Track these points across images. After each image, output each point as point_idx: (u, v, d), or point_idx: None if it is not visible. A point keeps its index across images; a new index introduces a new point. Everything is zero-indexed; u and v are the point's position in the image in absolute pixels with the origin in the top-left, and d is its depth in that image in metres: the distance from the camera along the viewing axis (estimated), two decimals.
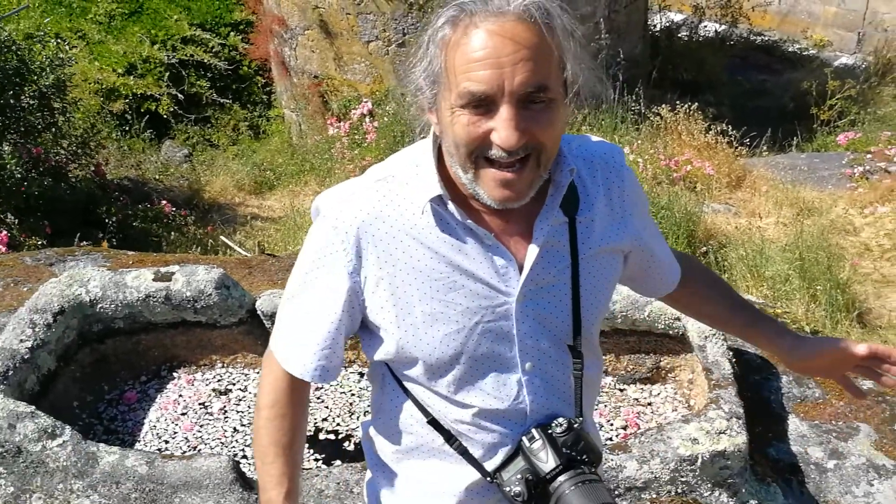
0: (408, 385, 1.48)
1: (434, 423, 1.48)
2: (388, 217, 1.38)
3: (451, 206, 1.35)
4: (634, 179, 1.52)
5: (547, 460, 1.43)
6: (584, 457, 1.45)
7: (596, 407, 3.10)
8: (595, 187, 1.45)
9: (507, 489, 1.45)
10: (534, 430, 1.45)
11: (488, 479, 1.48)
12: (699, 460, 2.57)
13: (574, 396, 1.49)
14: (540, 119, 1.26)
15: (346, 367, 3.38)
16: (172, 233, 5.99)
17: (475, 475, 1.49)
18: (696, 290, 1.71)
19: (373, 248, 1.38)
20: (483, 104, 1.25)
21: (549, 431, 1.44)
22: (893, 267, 5.94)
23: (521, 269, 1.39)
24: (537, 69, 1.24)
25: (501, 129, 1.24)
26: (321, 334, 1.44)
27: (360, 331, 1.49)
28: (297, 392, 1.52)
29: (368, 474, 1.68)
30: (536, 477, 1.43)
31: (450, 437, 1.48)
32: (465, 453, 1.48)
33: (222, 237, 5.96)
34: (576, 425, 1.45)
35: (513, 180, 1.28)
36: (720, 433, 2.61)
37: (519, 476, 1.44)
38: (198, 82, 9.11)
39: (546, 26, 1.25)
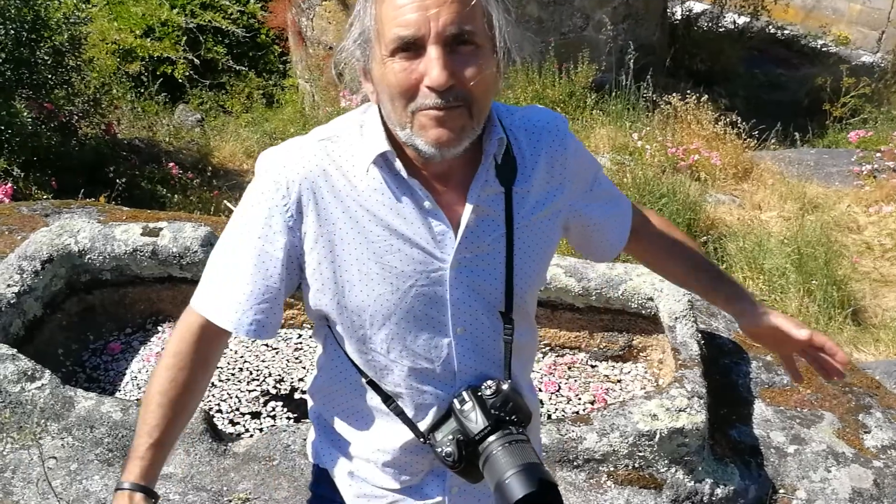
0: (345, 345, 1.52)
1: (372, 383, 1.53)
2: (330, 176, 1.40)
3: (397, 163, 1.38)
4: (579, 147, 1.55)
5: (476, 421, 1.47)
6: (513, 417, 1.49)
7: (566, 381, 3.16)
8: (535, 157, 1.48)
9: (440, 449, 1.49)
10: (464, 393, 1.49)
11: (421, 439, 1.53)
12: (657, 436, 2.61)
13: (504, 360, 1.53)
14: (468, 64, 1.29)
15: None
16: (176, 195, 6.05)
17: (409, 435, 1.54)
18: (654, 249, 1.75)
19: (313, 205, 1.40)
20: (412, 47, 1.27)
21: (479, 394, 1.49)
22: (893, 266, 5.92)
23: (456, 236, 1.43)
24: (462, 11, 1.27)
25: (430, 69, 1.27)
26: (259, 287, 1.44)
27: (301, 289, 1.51)
28: (207, 347, 1.50)
29: (311, 431, 1.72)
30: (467, 437, 1.47)
31: (386, 398, 1.52)
32: (400, 413, 1.52)
33: (225, 201, 6.03)
34: (504, 387, 1.50)
35: (445, 117, 1.29)
36: (680, 411, 2.65)
37: (451, 437, 1.48)
38: (215, 48, 9.14)
39: None
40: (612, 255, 1.72)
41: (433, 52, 1.27)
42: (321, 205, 1.40)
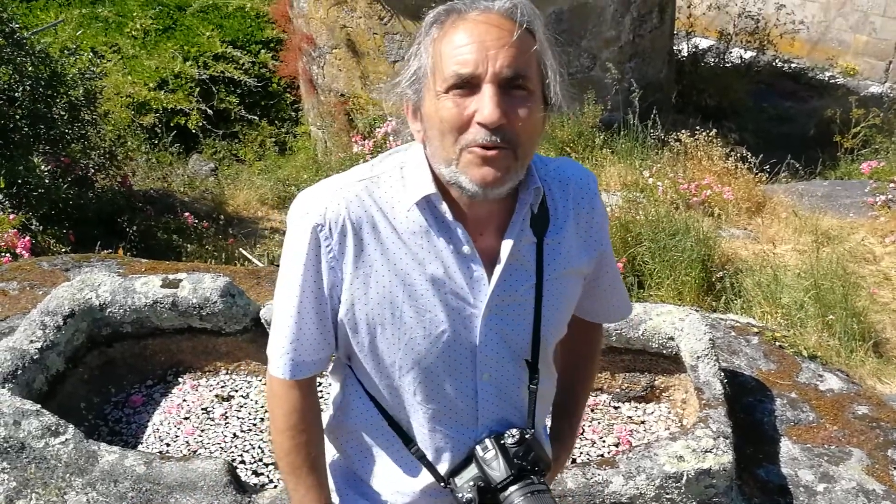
0: (370, 387, 1.53)
1: (393, 424, 1.53)
2: (371, 217, 1.42)
3: (443, 205, 1.39)
4: (604, 211, 1.57)
5: (499, 469, 1.47)
6: (535, 467, 1.49)
7: (590, 424, 3.13)
8: (566, 210, 1.50)
9: (460, 495, 1.49)
10: (487, 440, 1.50)
11: (442, 483, 1.53)
12: (684, 478, 2.59)
13: (527, 409, 1.54)
14: (519, 107, 1.31)
15: None
16: (190, 245, 6.09)
17: (430, 478, 1.54)
18: (572, 359, 1.78)
19: (353, 245, 1.41)
20: (467, 85, 1.30)
21: (502, 442, 1.49)
22: None
23: (490, 282, 1.44)
24: (519, 56, 1.31)
25: (484, 105, 1.29)
26: (288, 327, 1.48)
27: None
28: (303, 403, 1.54)
29: (329, 470, 1.72)
30: (488, 485, 1.47)
31: (407, 440, 1.53)
32: (421, 457, 1.53)
33: (241, 249, 6.07)
34: (528, 436, 1.50)
35: (493, 157, 1.31)
36: (706, 451, 2.62)
37: (471, 483, 1.49)
38: (227, 98, 9.28)
39: (529, 27, 1.33)
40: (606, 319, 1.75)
41: (488, 90, 1.29)
42: (360, 245, 1.42)
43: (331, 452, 1.69)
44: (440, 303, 1.42)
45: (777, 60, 10.58)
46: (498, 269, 1.43)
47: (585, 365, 1.80)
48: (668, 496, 2.61)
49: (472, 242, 1.41)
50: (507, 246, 1.43)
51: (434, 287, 1.42)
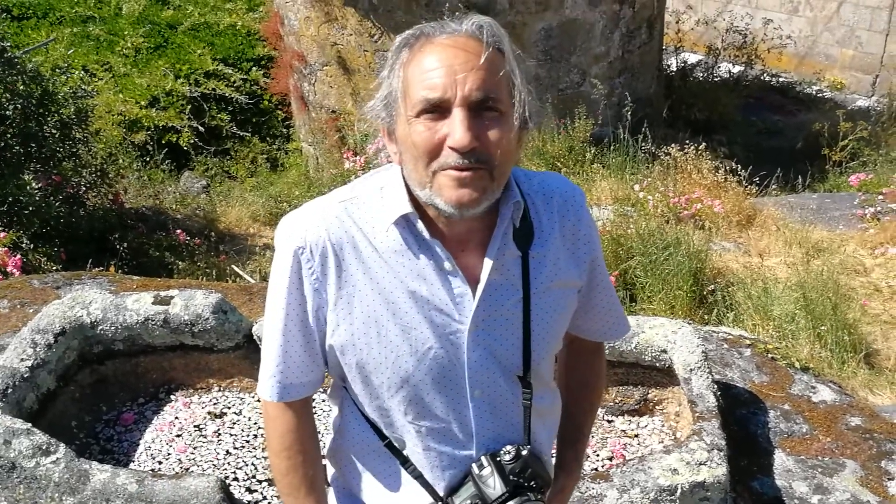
0: (363, 407, 1.53)
1: (389, 444, 1.53)
2: (352, 237, 1.43)
3: (419, 224, 1.40)
4: (593, 223, 1.57)
5: (494, 487, 1.47)
6: (532, 483, 1.49)
7: None
8: (551, 223, 1.50)
9: None
10: (483, 458, 1.49)
11: (439, 503, 1.52)
12: (678, 490, 2.58)
13: (523, 424, 1.53)
14: (490, 128, 1.32)
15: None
16: (181, 262, 6.08)
17: (428, 498, 1.53)
18: (576, 376, 1.76)
19: (335, 266, 1.42)
20: (437, 110, 1.31)
21: (498, 459, 1.49)
22: None
23: (475, 298, 1.43)
24: (488, 78, 1.31)
25: (454, 130, 1.30)
26: (275, 350, 1.49)
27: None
28: (298, 424, 1.54)
29: (331, 494, 1.71)
30: (485, 503, 1.47)
31: (404, 460, 1.53)
32: (418, 476, 1.52)
33: (232, 265, 6.05)
34: (524, 453, 1.49)
35: (467, 179, 1.32)
36: (700, 464, 2.62)
37: (469, 502, 1.48)
38: (219, 115, 9.28)
39: (496, 47, 1.33)
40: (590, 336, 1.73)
41: (458, 114, 1.30)
42: (342, 266, 1.43)
43: (332, 475, 1.69)
44: (425, 319, 1.42)
45: (765, 75, 10.67)
46: (482, 284, 1.42)
47: (589, 391, 1.77)
48: None
49: (452, 259, 1.41)
50: (489, 261, 1.43)
51: (417, 305, 1.42)
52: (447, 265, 1.41)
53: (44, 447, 2.81)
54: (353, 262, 1.43)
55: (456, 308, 1.43)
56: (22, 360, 3.13)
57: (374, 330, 1.43)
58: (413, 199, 1.40)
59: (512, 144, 1.36)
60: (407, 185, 1.41)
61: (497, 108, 1.32)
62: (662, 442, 3.11)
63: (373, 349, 1.44)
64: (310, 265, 1.42)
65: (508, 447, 1.49)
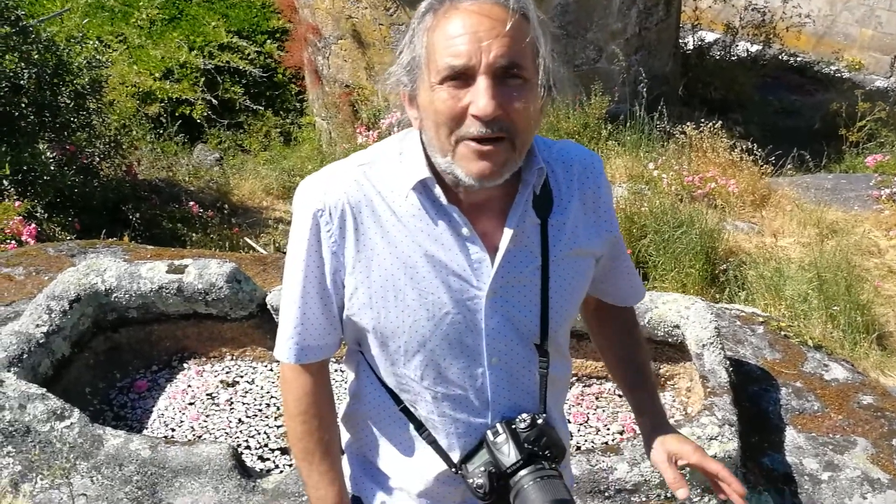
0: (379, 371, 1.53)
1: (405, 409, 1.53)
2: (370, 200, 1.42)
3: (437, 189, 1.40)
4: (610, 191, 1.56)
5: (509, 454, 1.46)
6: (547, 452, 1.48)
7: (594, 412, 3.14)
8: (570, 191, 1.49)
9: (471, 481, 1.48)
10: (498, 425, 1.49)
11: (454, 469, 1.52)
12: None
13: (539, 393, 1.53)
14: (515, 97, 1.31)
15: None
16: (194, 234, 6.10)
17: (442, 465, 1.53)
18: (612, 328, 1.74)
19: (353, 229, 1.42)
20: (461, 77, 1.30)
21: (513, 426, 1.48)
22: None
23: (493, 264, 1.43)
24: (513, 45, 1.29)
25: (478, 98, 1.28)
26: (293, 312, 1.49)
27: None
28: (314, 388, 1.55)
29: (345, 460, 1.72)
30: (498, 470, 1.46)
31: (419, 426, 1.53)
32: (433, 442, 1.52)
33: (245, 238, 6.07)
34: (539, 421, 1.49)
35: (489, 152, 1.31)
36: (711, 439, 2.62)
37: (482, 469, 1.48)
38: (232, 88, 9.27)
39: (522, 13, 1.31)
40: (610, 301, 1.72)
41: (482, 82, 1.29)
42: (360, 229, 1.42)
43: (347, 440, 1.69)
44: (442, 284, 1.42)
45: (783, 54, 10.56)
46: (501, 251, 1.42)
47: (630, 337, 1.74)
48: None
49: (469, 224, 1.41)
50: (509, 227, 1.42)
51: (435, 269, 1.42)
52: (465, 231, 1.41)
53: (58, 412, 2.84)
54: (371, 226, 1.42)
55: (474, 274, 1.43)
56: (37, 325, 3.15)
57: (392, 294, 1.43)
58: (431, 165, 1.40)
59: (535, 113, 1.35)
60: (425, 151, 1.40)
61: (521, 76, 1.31)
62: (673, 417, 3.11)
63: (390, 313, 1.43)
64: (328, 228, 1.42)
65: (524, 415, 1.49)
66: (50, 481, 2.77)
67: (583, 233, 1.50)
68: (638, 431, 3.01)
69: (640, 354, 1.73)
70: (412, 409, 1.53)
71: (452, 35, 1.30)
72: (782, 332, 3.48)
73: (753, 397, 3.09)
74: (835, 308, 5.06)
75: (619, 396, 3.24)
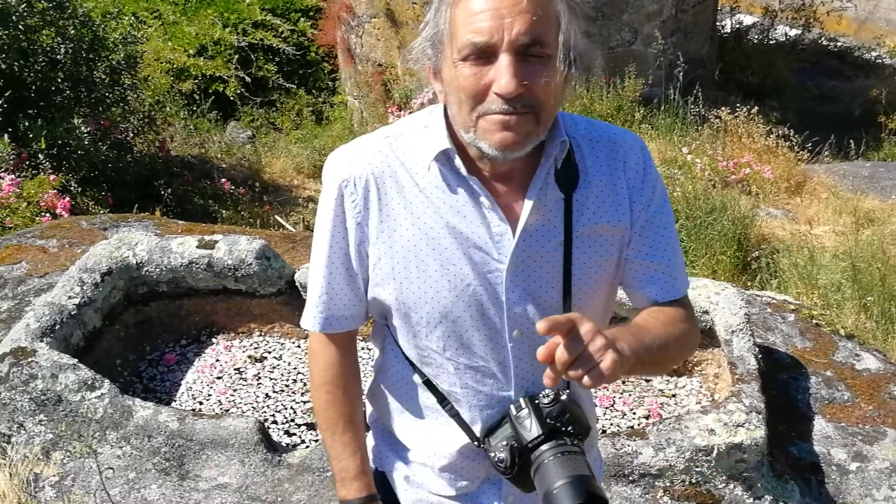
0: (403, 344, 1.53)
1: (428, 382, 1.53)
2: (394, 172, 1.43)
3: (457, 160, 1.40)
4: (649, 168, 1.49)
5: (530, 429, 1.45)
6: (569, 428, 1.47)
7: (620, 395, 3.12)
8: (597, 166, 1.46)
9: (493, 455, 1.48)
10: (521, 400, 1.48)
11: (476, 443, 1.52)
12: (715, 451, 2.57)
13: None
14: (538, 73, 1.30)
15: None
16: (225, 211, 6.14)
17: (465, 439, 1.53)
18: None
19: (377, 200, 1.43)
20: (484, 54, 1.29)
21: (536, 402, 1.47)
22: None
23: (514, 237, 1.42)
24: (536, 22, 1.28)
25: (500, 76, 1.28)
26: (319, 282, 1.51)
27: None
28: (340, 359, 1.57)
29: (370, 436, 1.73)
30: (520, 444, 1.45)
31: (442, 399, 1.53)
32: (455, 415, 1.53)
33: (275, 216, 6.10)
34: (563, 397, 1.48)
35: (512, 123, 1.30)
36: (738, 426, 2.60)
37: (504, 443, 1.47)
38: (266, 66, 9.30)
39: None
40: (640, 299, 1.56)
41: (504, 59, 1.28)
42: (384, 200, 1.43)
43: (371, 415, 1.70)
44: (464, 256, 1.42)
45: (823, 38, 10.36)
46: (521, 224, 1.41)
47: (667, 318, 1.52)
48: (697, 469, 2.60)
49: (491, 196, 1.40)
50: (529, 198, 1.41)
51: (457, 241, 1.42)
52: (484, 201, 1.41)
53: (89, 382, 2.88)
54: (394, 197, 1.43)
55: (495, 246, 1.42)
56: (70, 297, 3.20)
57: (414, 265, 1.43)
58: (453, 135, 1.40)
59: (559, 88, 1.34)
60: (448, 123, 1.41)
61: (544, 52, 1.30)
62: (700, 403, 3.09)
63: (412, 284, 1.44)
64: (353, 198, 1.44)
65: (548, 390, 1.47)
66: (80, 450, 2.82)
67: (609, 210, 1.48)
68: (664, 416, 3.00)
69: (662, 328, 1.51)
70: (435, 383, 1.53)
71: (475, 11, 1.29)
72: (814, 321, 3.44)
73: (782, 385, 3.06)
74: (868, 298, 4.98)
75: (646, 381, 3.22)
